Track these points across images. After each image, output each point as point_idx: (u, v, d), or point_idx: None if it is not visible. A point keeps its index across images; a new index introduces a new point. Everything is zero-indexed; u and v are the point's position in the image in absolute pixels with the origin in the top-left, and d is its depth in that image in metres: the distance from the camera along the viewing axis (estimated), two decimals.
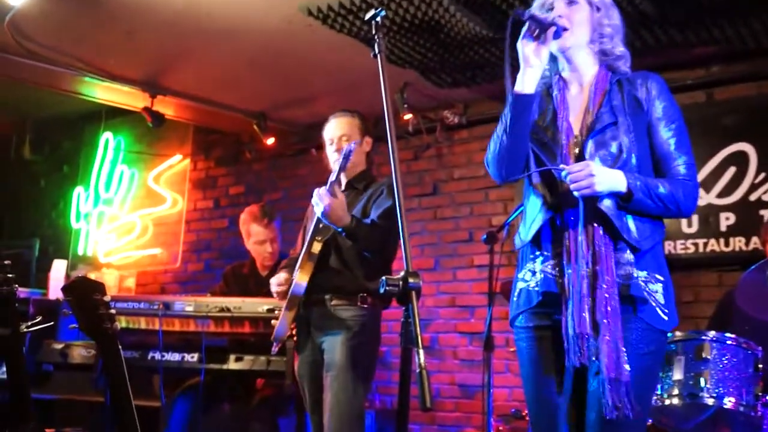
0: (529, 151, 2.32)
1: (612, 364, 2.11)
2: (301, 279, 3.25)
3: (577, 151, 2.29)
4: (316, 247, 3.30)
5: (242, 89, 5.60)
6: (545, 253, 2.28)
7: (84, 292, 2.06)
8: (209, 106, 5.90)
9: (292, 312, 3.29)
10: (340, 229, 3.22)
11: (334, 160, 3.45)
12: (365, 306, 3.30)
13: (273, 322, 3.37)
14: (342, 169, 3.23)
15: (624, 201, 2.22)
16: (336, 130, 3.49)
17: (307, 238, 3.34)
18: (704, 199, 4.67)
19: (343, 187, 3.49)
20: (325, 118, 3.61)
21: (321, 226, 3.29)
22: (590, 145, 2.27)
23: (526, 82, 2.26)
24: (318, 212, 3.20)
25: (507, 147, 2.28)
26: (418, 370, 1.56)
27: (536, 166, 2.31)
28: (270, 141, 6.12)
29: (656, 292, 2.21)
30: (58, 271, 6.21)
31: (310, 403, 3.36)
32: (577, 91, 2.40)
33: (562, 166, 2.23)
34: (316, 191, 3.20)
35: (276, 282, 3.40)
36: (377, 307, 3.37)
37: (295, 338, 3.46)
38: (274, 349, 3.38)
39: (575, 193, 2.21)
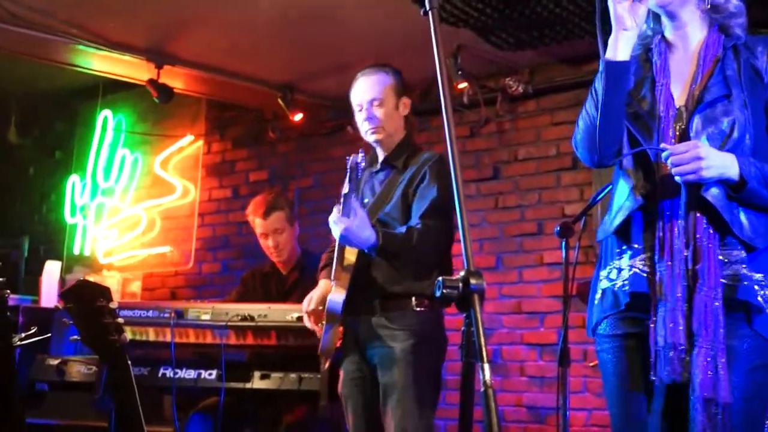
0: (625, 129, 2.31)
1: (707, 382, 2.10)
2: (336, 294, 3.24)
3: (680, 127, 2.27)
4: (351, 255, 3.30)
5: (264, 56, 5.62)
6: (635, 246, 2.28)
7: (86, 297, 2.10)
8: (225, 77, 5.93)
9: (335, 325, 3.31)
10: (366, 250, 3.23)
11: (365, 131, 3.45)
12: (422, 310, 3.30)
13: (318, 333, 3.39)
14: (354, 188, 3.23)
15: (735, 190, 2.20)
16: (364, 93, 3.45)
17: (336, 250, 3.34)
18: None
19: (378, 166, 3.49)
20: None
21: None
22: (696, 121, 2.25)
23: (620, 48, 2.25)
24: (336, 237, 3.21)
25: (600, 125, 2.27)
26: (482, 389, 1.56)
27: (629, 145, 2.30)
28: (298, 117, 6.14)
29: None
30: (50, 274, 6.32)
31: (355, 427, 3.38)
32: (682, 56, 2.38)
33: (663, 145, 2.21)
34: (330, 216, 3.20)
35: (305, 308, 3.42)
36: (436, 309, 3.36)
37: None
38: (325, 365, 3.41)
39: (677, 179, 2.19)
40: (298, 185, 6.48)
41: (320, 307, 3.36)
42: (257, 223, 4.66)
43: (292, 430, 4.30)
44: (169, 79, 5.86)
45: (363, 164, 3.31)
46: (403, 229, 3.27)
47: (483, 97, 5.65)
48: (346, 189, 3.22)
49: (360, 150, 3.34)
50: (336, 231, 3.17)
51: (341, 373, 3.44)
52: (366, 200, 3.43)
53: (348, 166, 3.27)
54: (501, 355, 5.44)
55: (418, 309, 3.29)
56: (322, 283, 3.44)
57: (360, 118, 3.47)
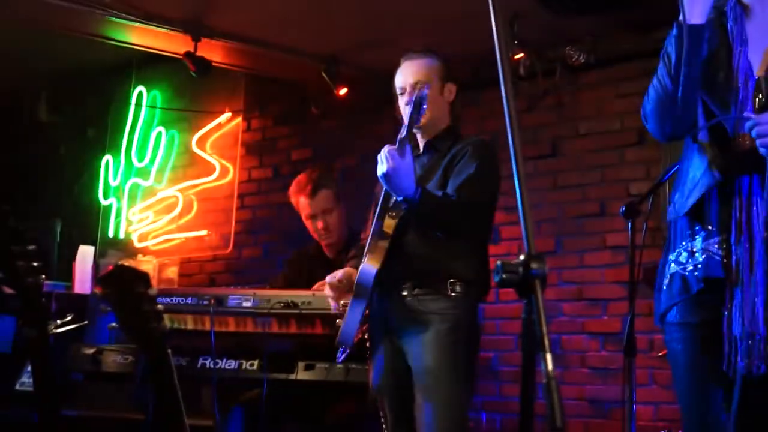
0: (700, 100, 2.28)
1: None
2: (369, 266, 3.27)
3: (760, 100, 2.24)
4: (389, 224, 3.32)
5: (306, 26, 5.63)
6: (708, 227, 2.26)
7: (125, 283, 2.12)
8: (265, 50, 5.96)
9: (361, 302, 3.32)
10: (401, 199, 3.23)
11: (407, 114, 3.46)
12: (456, 295, 3.31)
13: (338, 321, 3.42)
14: (414, 122, 3.25)
15: None
16: (408, 77, 3.50)
17: (377, 212, 3.36)
18: None
19: (421, 150, 3.50)
20: None
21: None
22: None
23: (695, 10, 2.23)
24: (378, 173, 3.22)
25: (673, 95, 2.25)
26: (545, 381, 1.56)
27: (704, 117, 2.27)
28: (343, 92, 6.15)
29: None
30: (84, 259, 6.42)
31: (392, 421, 3.39)
32: (760, 20, 2.35)
33: (747, 115, 2.18)
34: (382, 150, 3.22)
35: (329, 279, 3.43)
36: (471, 297, 3.39)
37: (367, 342, 3.49)
38: (340, 356, 3.43)
39: (761, 150, 2.16)
40: (343, 164, 6.50)
41: (344, 282, 3.37)
42: (303, 204, 4.64)
43: (338, 424, 4.33)
44: (207, 52, 5.89)
45: (427, 102, 3.30)
46: (440, 192, 3.31)
47: (541, 67, 5.61)
48: (403, 132, 3.23)
49: (426, 85, 3.33)
50: (381, 168, 3.19)
51: (371, 362, 3.46)
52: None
53: (411, 103, 3.26)
54: (561, 345, 5.43)
55: (453, 293, 3.30)
56: (348, 270, 3.46)
57: (403, 101, 3.50)
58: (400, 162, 3.17)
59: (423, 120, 3.42)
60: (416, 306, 3.32)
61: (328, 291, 3.44)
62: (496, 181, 3.42)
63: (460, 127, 3.63)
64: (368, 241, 3.35)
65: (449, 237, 3.33)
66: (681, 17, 2.24)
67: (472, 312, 3.40)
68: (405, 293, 3.34)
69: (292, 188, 4.72)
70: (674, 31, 2.25)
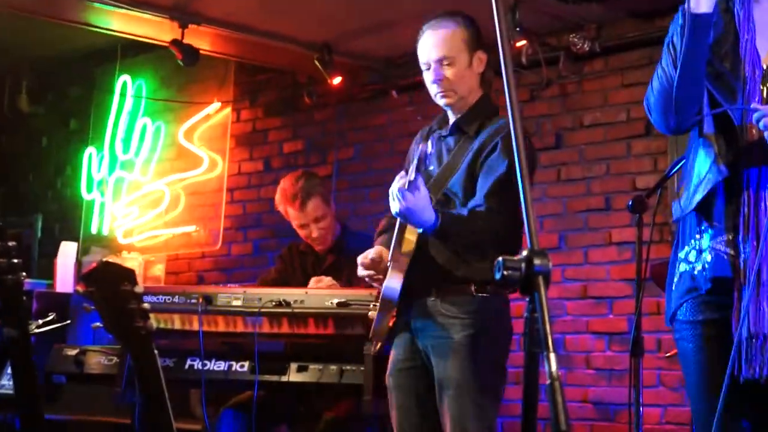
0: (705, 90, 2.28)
1: None
2: (393, 280, 3.22)
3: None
4: (411, 235, 3.27)
5: (299, 12, 5.62)
6: (715, 224, 2.26)
7: (110, 281, 2.11)
8: (256, 37, 5.95)
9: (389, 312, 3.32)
10: (421, 231, 3.21)
11: (434, 94, 3.39)
12: (484, 295, 3.27)
13: (370, 314, 3.38)
14: (422, 160, 3.16)
15: None
16: (432, 50, 3.35)
17: (397, 227, 3.31)
18: None
19: (448, 129, 3.44)
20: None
21: None
22: None
23: None
24: (393, 211, 3.19)
25: (679, 85, 2.25)
26: (548, 382, 1.56)
27: (709, 108, 2.27)
28: (337, 81, 6.14)
29: None
30: (66, 256, 6.41)
31: (402, 423, 3.37)
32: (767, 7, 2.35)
33: (754, 105, 2.19)
34: (392, 187, 3.17)
35: (360, 261, 3.36)
36: (500, 295, 3.33)
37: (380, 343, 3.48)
38: (375, 348, 3.42)
39: None
40: (337, 157, 6.49)
41: (377, 259, 3.33)
42: (292, 214, 4.65)
43: (332, 428, 4.33)
44: (195, 40, 5.88)
45: (437, 133, 3.27)
46: (464, 211, 3.24)
47: (544, 56, 5.61)
48: (411, 174, 3.11)
49: (436, 115, 3.25)
50: (395, 206, 3.14)
51: (389, 361, 3.42)
52: (431, 167, 3.40)
53: (424, 135, 3.20)
54: (564, 345, 5.43)
55: (478, 294, 3.27)
56: (378, 248, 3.40)
57: (428, 78, 3.38)
58: (414, 200, 3.09)
59: (451, 99, 3.36)
60: (440, 309, 3.28)
61: (362, 272, 3.38)
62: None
63: (491, 98, 3.49)
64: (391, 248, 3.29)
65: (478, 248, 3.30)
66: (687, 5, 2.23)
67: (501, 311, 3.36)
68: (427, 297, 3.31)
69: (278, 197, 4.70)
70: (680, 20, 2.25)
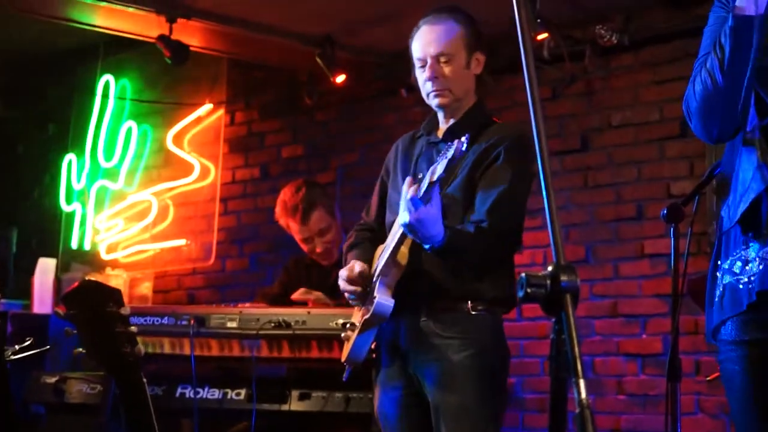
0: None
1: None
2: (385, 297, 3.24)
3: None
4: (404, 254, 3.29)
5: (298, 4, 5.63)
6: (764, 233, 2.25)
7: (93, 301, 2.12)
8: (251, 31, 5.97)
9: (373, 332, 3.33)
10: (427, 247, 3.22)
11: (427, 93, 3.43)
12: (479, 314, 3.29)
13: (343, 335, 3.40)
14: (447, 171, 3.15)
15: None
16: (429, 46, 3.41)
17: (390, 239, 3.33)
18: None
19: (441, 135, 3.46)
20: None
21: None
22: None
23: None
24: (399, 222, 3.20)
25: (723, 91, 2.25)
26: (577, 410, 1.56)
27: (756, 112, 2.27)
28: (340, 79, 6.15)
29: None
30: (44, 273, 6.42)
31: None
32: None
33: None
34: (403, 197, 3.17)
35: (345, 276, 3.39)
36: (497, 314, 3.37)
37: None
38: (347, 375, 3.42)
39: None
40: (341, 161, 6.50)
41: (365, 274, 3.35)
42: (294, 229, 4.69)
43: None
44: (184, 36, 5.90)
45: (424, 138, 3.29)
46: (471, 227, 3.26)
47: (568, 49, 5.61)
48: (425, 185, 3.12)
49: (465, 138, 3.24)
50: (404, 217, 3.15)
51: (377, 389, 3.44)
52: (420, 175, 3.41)
53: (448, 154, 3.21)
54: (593, 368, 5.43)
55: (474, 312, 3.29)
56: (360, 263, 3.41)
57: (422, 76, 3.43)
58: (426, 212, 3.11)
59: (446, 100, 3.40)
60: (433, 329, 3.29)
61: (347, 287, 3.39)
62: (529, 190, 3.38)
63: (486, 105, 3.58)
64: (383, 260, 3.30)
65: (480, 264, 3.32)
66: (738, 5, 2.23)
67: (498, 331, 3.38)
68: (418, 316, 3.32)
69: (278, 210, 4.74)
70: (730, 22, 2.24)
